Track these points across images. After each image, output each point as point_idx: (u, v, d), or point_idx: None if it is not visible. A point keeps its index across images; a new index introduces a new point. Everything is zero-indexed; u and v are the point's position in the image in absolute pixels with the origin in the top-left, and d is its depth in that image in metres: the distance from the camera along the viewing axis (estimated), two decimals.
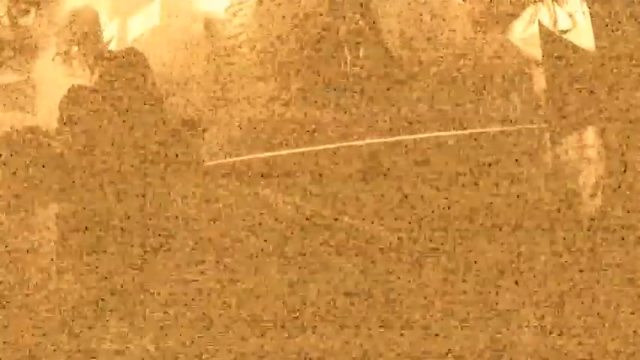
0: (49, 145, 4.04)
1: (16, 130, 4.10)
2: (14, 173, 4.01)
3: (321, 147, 4.19)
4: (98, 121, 3.98)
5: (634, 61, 4.04)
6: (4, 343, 3.72)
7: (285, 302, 3.79)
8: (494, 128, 4.22)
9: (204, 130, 4.27)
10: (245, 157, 4.21)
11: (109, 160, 3.95)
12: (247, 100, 4.38)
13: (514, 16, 4.45)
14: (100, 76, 4.05)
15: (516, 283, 3.83)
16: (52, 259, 3.90)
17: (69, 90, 4.02)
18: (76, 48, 4.05)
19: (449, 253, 3.91)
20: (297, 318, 3.75)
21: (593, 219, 3.99)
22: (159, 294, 3.82)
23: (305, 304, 3.78)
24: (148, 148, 4.00)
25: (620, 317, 3.66)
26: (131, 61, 4.11)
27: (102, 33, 4.14)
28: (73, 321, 3.76)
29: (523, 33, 4.42)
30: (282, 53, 4.41)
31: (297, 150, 4.20)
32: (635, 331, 3.63)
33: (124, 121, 3.99)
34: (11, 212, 4.01)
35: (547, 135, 4.19)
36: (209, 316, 3.77)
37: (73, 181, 3.94)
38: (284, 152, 4.21)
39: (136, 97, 4.04)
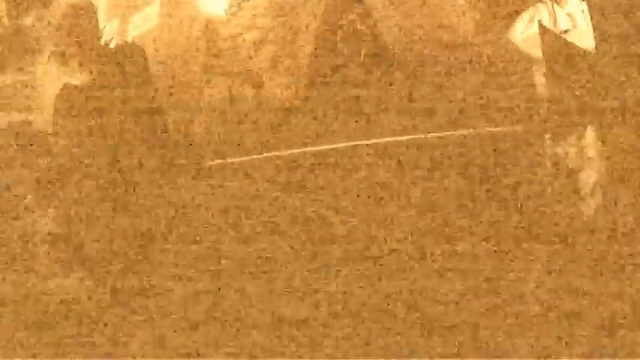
0: (46, 144, 4.04)
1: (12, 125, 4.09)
2: (10, 172, 4.02)
3: (322, 147, 4.20)
4: (94, 120, 3.97)
5: (634, 61, 4.04)
6: (4, 343, 3.72)
7: (289, 302, 3.80)
8: (495, 128, 4.23)
9: (203, 130, 4.27)
10: (246, 158, 4.22)
11: (105, 159, 3.94)
12: (247, 101, 4.39)
13: (514, 16, 4.47)
14: (97, 73, 4.03)
15: (515, 282, 3.83)
16: (50, 260, 3.91)
17: (63, 89, 3.99)
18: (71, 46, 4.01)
19: (446, 252, 3.92)
20: (302, 318, 3.75)
21: (593, 219, 4.00)
22: (159, 294, 3.83)
23: (312, 303, 3.79)
24: (146, 147, 4.00)
25: (620, 316, 3.67)
26: (129, 56, 4.08)
27: (99, 29, 4.11)
28: (70, 321, 3.77)
29: (523, 33, 4.43)
30: (283, 54, 4.42)
31: (297, 150, 4.21)
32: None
33: (120, 120, 3.98)
34: (7, 212, 4.01)
35: (547, 135, 4.20)
36: (209, 318, 3.77)
37: (69, 182, 3.94)
38: (285, 153, 4.21)
39: (133, 95, 4.03)
